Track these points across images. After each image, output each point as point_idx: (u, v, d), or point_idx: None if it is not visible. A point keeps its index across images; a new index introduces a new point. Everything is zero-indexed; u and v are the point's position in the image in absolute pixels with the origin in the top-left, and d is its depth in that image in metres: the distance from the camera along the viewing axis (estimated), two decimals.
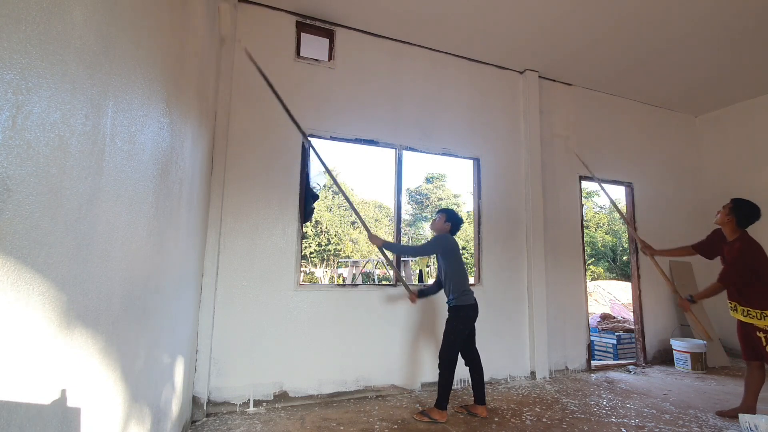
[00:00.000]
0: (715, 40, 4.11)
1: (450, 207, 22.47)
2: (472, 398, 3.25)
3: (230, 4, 3.43)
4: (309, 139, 3.29)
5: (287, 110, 3.19)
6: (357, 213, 3.40)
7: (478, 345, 3.32)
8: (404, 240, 19.73)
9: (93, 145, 1.03)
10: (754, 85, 5.11)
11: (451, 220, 3.35)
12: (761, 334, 2.99)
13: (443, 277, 3.23)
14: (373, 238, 3.25)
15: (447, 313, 3.20)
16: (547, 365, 4.28)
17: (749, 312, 3.02)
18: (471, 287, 3.22)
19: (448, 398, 3.02)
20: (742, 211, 3.12)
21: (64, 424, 0.96)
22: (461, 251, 3.37)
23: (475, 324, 3.24)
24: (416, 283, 8.77)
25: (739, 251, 3.03)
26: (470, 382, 3.24)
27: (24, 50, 0.73)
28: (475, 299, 3.18)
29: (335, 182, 3.43)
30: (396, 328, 3.72)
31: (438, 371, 3.06)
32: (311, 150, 3.33)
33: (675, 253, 3.55)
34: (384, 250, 3.30)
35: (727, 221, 3.16)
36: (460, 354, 3.16)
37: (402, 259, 3.85)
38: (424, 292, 3.47)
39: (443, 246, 3.18)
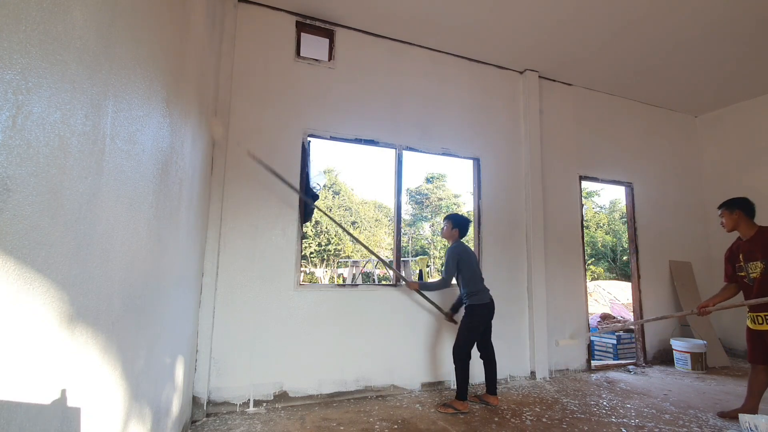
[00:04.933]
0: (715, 40, 4.11)
1: (451, 208, 22.38)
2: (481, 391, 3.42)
3: (230, 3, 3.43)
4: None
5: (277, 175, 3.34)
6: (383, 261, 3.70)
7: None
8: (404, 240, 19.69)
9: (93, 145, 1.03)
10: (754, 85, 5.11)
11: (457, 225, 3.50)
12: None
13: (458, 280, 3.38)
14: (410, 285, 3.57)
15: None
16: (547, 365, 4.28)
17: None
18: (485, 287, 3.39)
19: (467, 389, 3.21)
20: (742, 203, 3.05)
21: (65, 424, 0.96)
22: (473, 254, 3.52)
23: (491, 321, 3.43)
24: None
25: None
26: (483, 375, 3.43)
27: (24, 50, 0.73)
28: (490, 298, 3.34)
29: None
30: (396, 328, 3.72)
31: (454, 366, 3.23)
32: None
33: (722, 297, 3.20)
34: (422, 292, 3.64)
35: (737, 218, 3.06)
36: (476, 347, 3.36)
37: (402, 260, 3.96)
38: (455, 307, 3.68)
39: (457, 259, 3.35)
